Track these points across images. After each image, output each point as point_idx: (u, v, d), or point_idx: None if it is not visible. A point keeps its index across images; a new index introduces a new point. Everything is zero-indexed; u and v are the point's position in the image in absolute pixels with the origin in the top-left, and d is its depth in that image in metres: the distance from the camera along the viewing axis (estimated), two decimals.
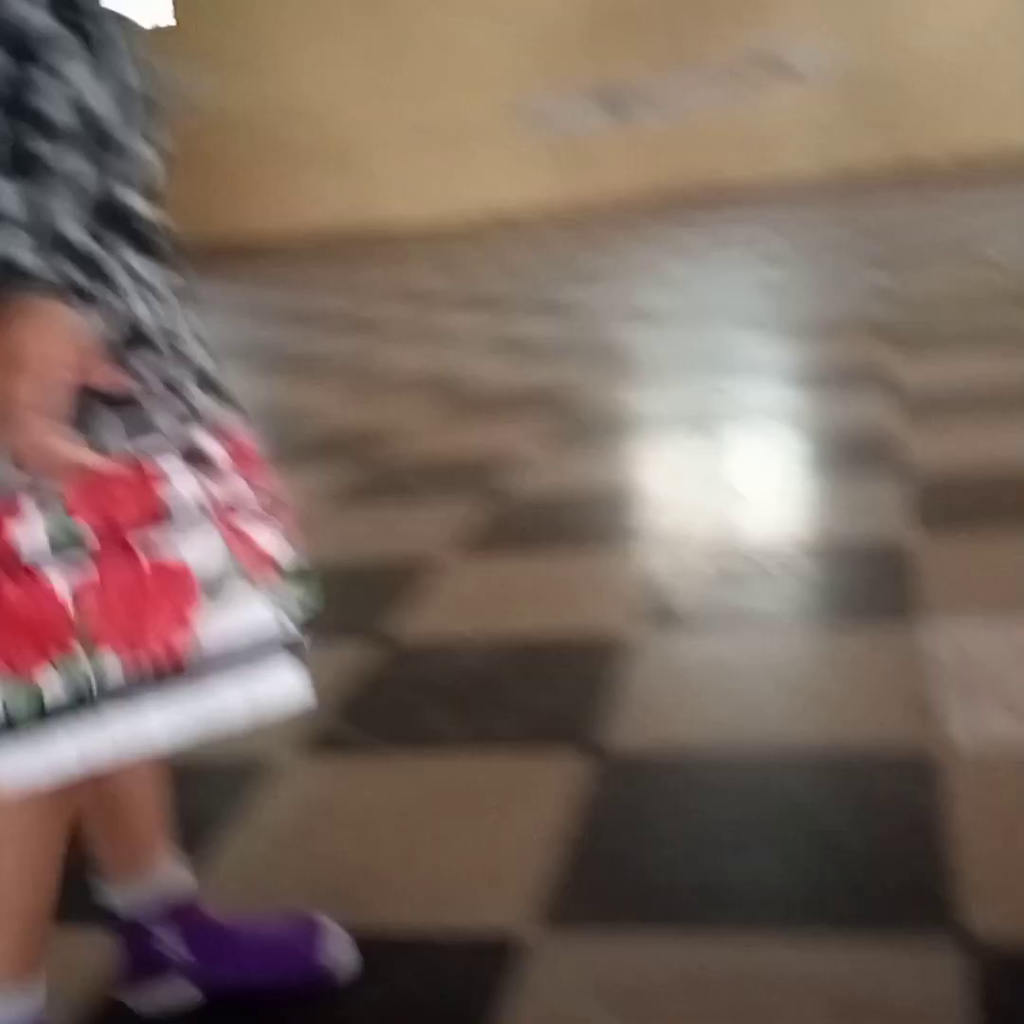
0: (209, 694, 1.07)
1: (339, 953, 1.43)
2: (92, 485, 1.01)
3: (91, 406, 1.01)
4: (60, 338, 0.92)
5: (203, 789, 1.90)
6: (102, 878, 1.37)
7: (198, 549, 1.06)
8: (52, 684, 1.02)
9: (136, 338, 1.05)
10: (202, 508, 1.07)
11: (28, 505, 1.00)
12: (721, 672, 2.11)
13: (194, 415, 1.09)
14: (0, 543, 1.00)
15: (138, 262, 1.06)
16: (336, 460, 3.68)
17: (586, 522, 2.93)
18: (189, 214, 9.71)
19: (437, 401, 4.26)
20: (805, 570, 2.50)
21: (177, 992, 1.38)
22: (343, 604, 2.61)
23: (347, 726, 2.06)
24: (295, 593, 1.16)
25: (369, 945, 1.50)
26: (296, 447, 3.98)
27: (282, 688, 1.12)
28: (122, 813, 1.33)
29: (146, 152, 1.07)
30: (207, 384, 1.12)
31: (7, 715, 1.02)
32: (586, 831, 1.69)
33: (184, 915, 1.38)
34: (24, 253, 0.91)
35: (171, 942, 1.36)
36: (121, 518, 1.03)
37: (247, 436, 1.23)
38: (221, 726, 1.11)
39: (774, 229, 7.10)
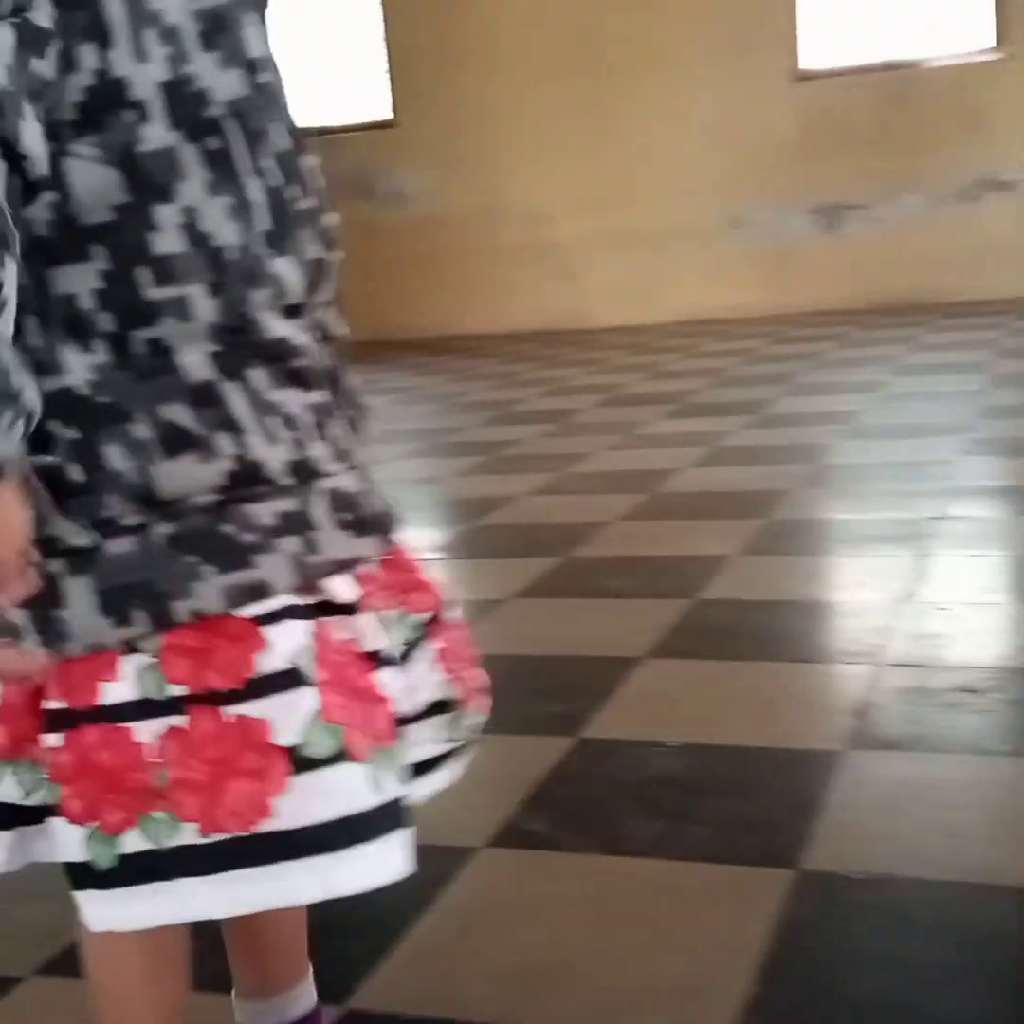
0: (281, 876, 1.00)
1: None
2: (186, 645, 1.00)
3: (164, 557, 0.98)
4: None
5: None
6: (236, 994, 1.36)
7: (287, 716, 1.00)
8: (134, 842, 1.00)
9: (249, 478, 1.01)
10: (303, 669, 1.01)
11: (123, 663, 1.00)
12: (925, 794, 2.04)
13: (318, 554, 1.04)
14: (90, 702, 1.00)
15: (274, 390, 1.03)
16: (534, 553, 3.70)
17: (787, 632, 2.87)
18: (402, 310, 10.09)
19: (638, 500, 4.26)
20: (1015, 692, 2.39)
21: None
22: (537, 698, 2.61)
23: (538, 821, 2.05)
24: (402, 761, 1.07)
25: None
26: (494, 538, 4.02)
27: (366, 870, 1.02)
28: (256, 937, 1.31)
29: (290, 270, 1.04)
30: (350, 515, 1.07)
31: (93, 868, 1.01)
32: (781, 948, 1.63)
33: None
34: None
35: None
36: (213, 681, 0.99)
37: (407, 554, 1.22)
38: (302, 903, 1.07)
39: (991, 348, 6.94)
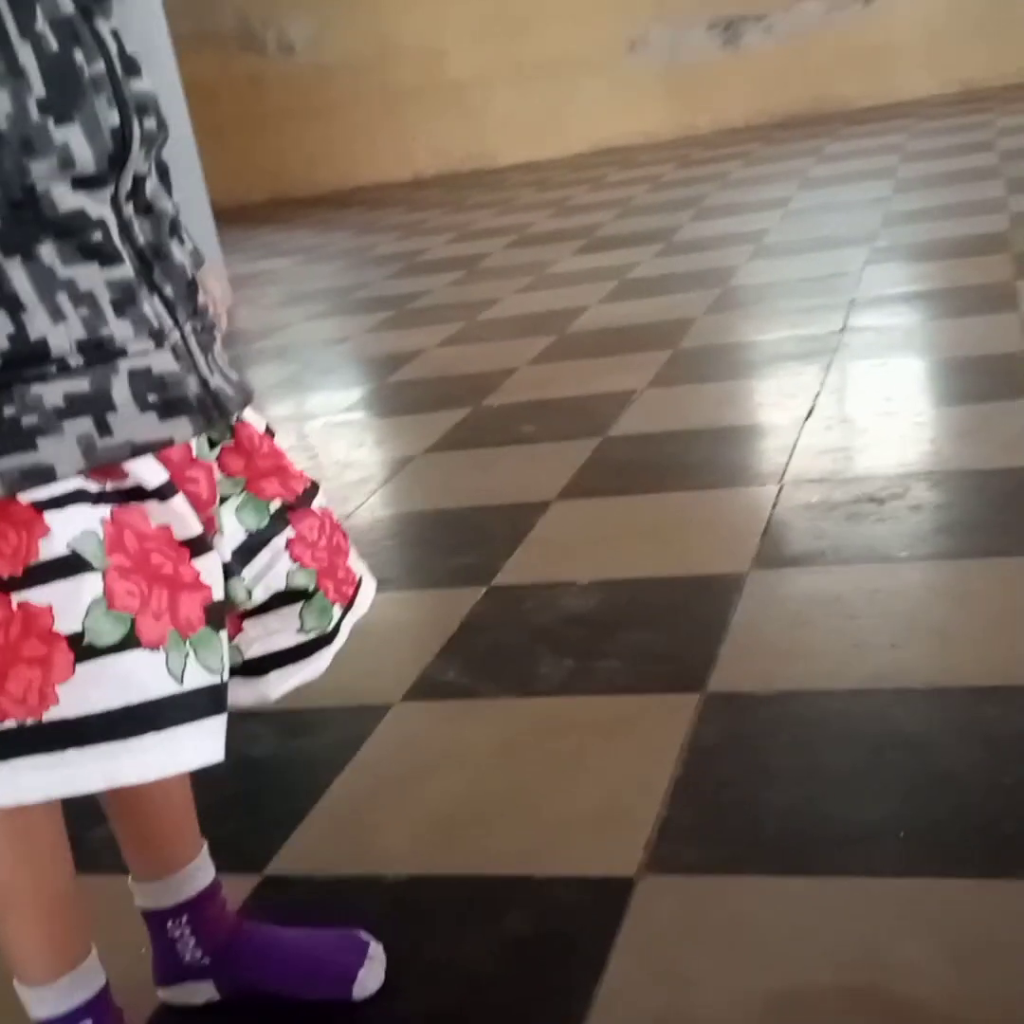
0: (66, 764, 0.98)
1: (371, 981, 1.35)
2: None
3: None
4: None
5: (311, 730, 1.93)
6: (132, 877, 1.36)
7: (69, 603, 0.97)
8: None
9: (31, 358, 0.98)
10: (86, 555, 0.98)
11: None
12: (829, 607, 2.07)
13: (112, 436, 1.00)
14: None
15: (64, 266, 0.99)
16: (445, 406, 3.67)
17: (694, 461, 2.88)
18: (294, 162, 9.81)
19: (546, 342, 4.23)
20: (922, 501, 2.42)
21: (197, 992, 1.36)
22: (450, 549, 2.61)
23: (453, 670, 2.07)
24: (214, 649, 1.04)
25: (475, 885, 1.51)
26: (405, 393, 3.98)
27: (159, 759, 1.00)
28: (140, 818, 1.30)
29: (80, 139, 0.99)
30: (157, 395, 1.03)
31: None
32: (695, 772, 1.67)
33: (199, 913, 1.35)
34: None
35: (188, 942, 1.34)
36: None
37: (261, 437, 1.18)
38: (87, 792, 1.03)
39: (896, 153, 6.87)
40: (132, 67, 1.06)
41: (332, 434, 3.64)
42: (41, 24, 0.98)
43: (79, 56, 1.00)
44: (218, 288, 1.29)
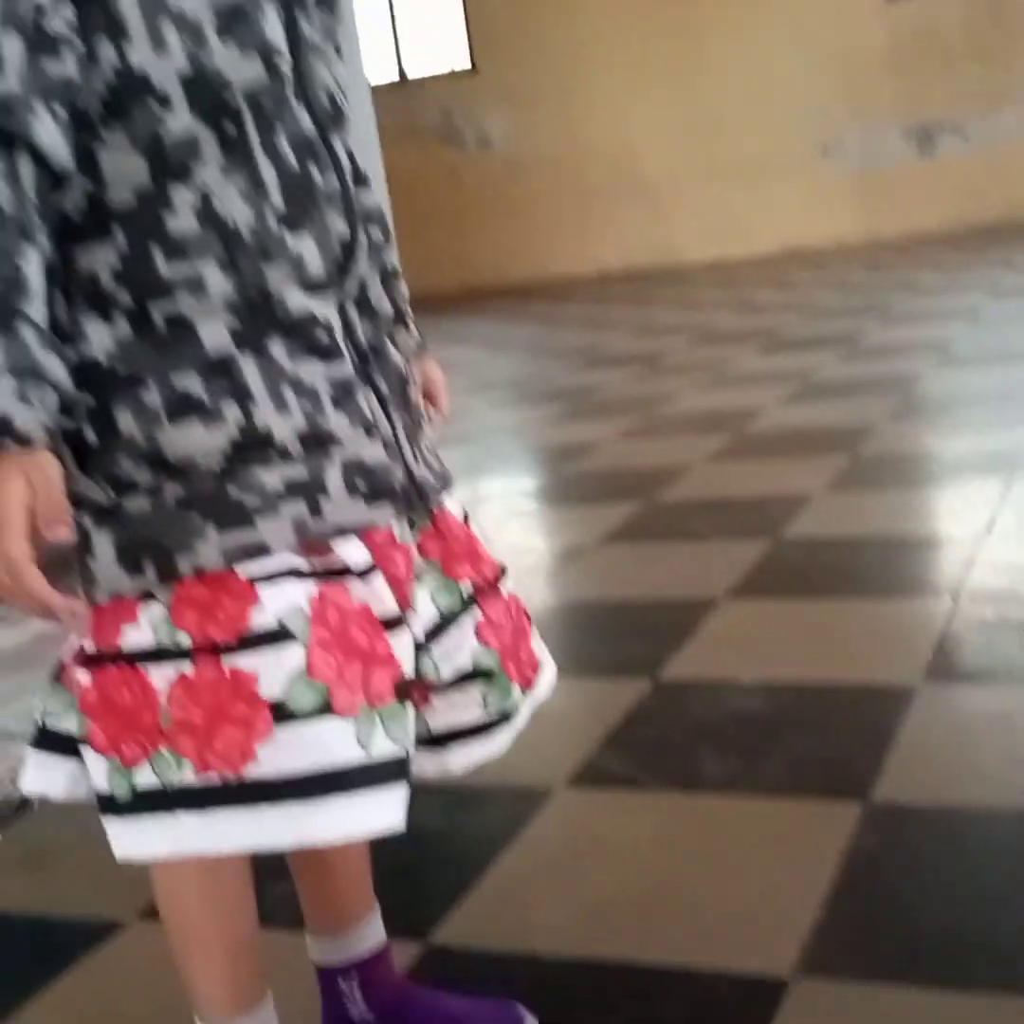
0: (259, 819, 1.06)
1: None
2: (194, 598, 1.06)
3: (176, 519, 1.05)
4: (39, 491, 0.96)
5: (477, 805, 1.99)
6: (308, 931, 1.42)
7: (273, 671, 1.05)
8: (145, 776, 1.07)
9: (256, 445, 1.07)
10: (292, 627, 1.06)
11: (141, 611, 1.07)
12: (1004, 727, 2.05)
13: (322, 519, 1.09)
14: (114, 644, 1.07)
15: (292, 361, 1.08)
16: (619, 498, 3.74)
17: (868, 568, 2.88)
18: (485, 253, 10.09)
19: (723, 440, 4.27)
20: None
21: None
22: (617, 640, 2.66)
23: (616, 760, 2.11)
24: (401, 721, 1.10)
25: (629, 972, 1.54)
26: (580, 484, 4.06)
27: (343, 822, 1.06)
28: (321, 875, 1.36)
29: (310, 247, 1.08)
30: (365, 483, 1.11)
31: (114, 797, 1.09)
32: (854, 879, 1.67)
33: (369, 972, 1.40)
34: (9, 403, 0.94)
35: (356, 999, 1.39)
36: (214, 633, 1.06)
37: (457, 523, 1.25)
38: (276, 848, 1.10)
39: None
40: (362, 181, 1.17)
41: (508, 520, 3.74)
42: (283, 144, 1.08)
43: (315, 172, 1.10)
44: (438, 372, 1.39)
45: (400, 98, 9.88)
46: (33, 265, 0.97)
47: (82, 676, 1.10)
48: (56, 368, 0.98)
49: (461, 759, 1.26)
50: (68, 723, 1.12)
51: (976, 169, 8.91)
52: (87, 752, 1.10)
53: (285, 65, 1.08)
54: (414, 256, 8.08)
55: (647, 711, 2.29)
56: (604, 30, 9.49)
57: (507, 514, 3.82)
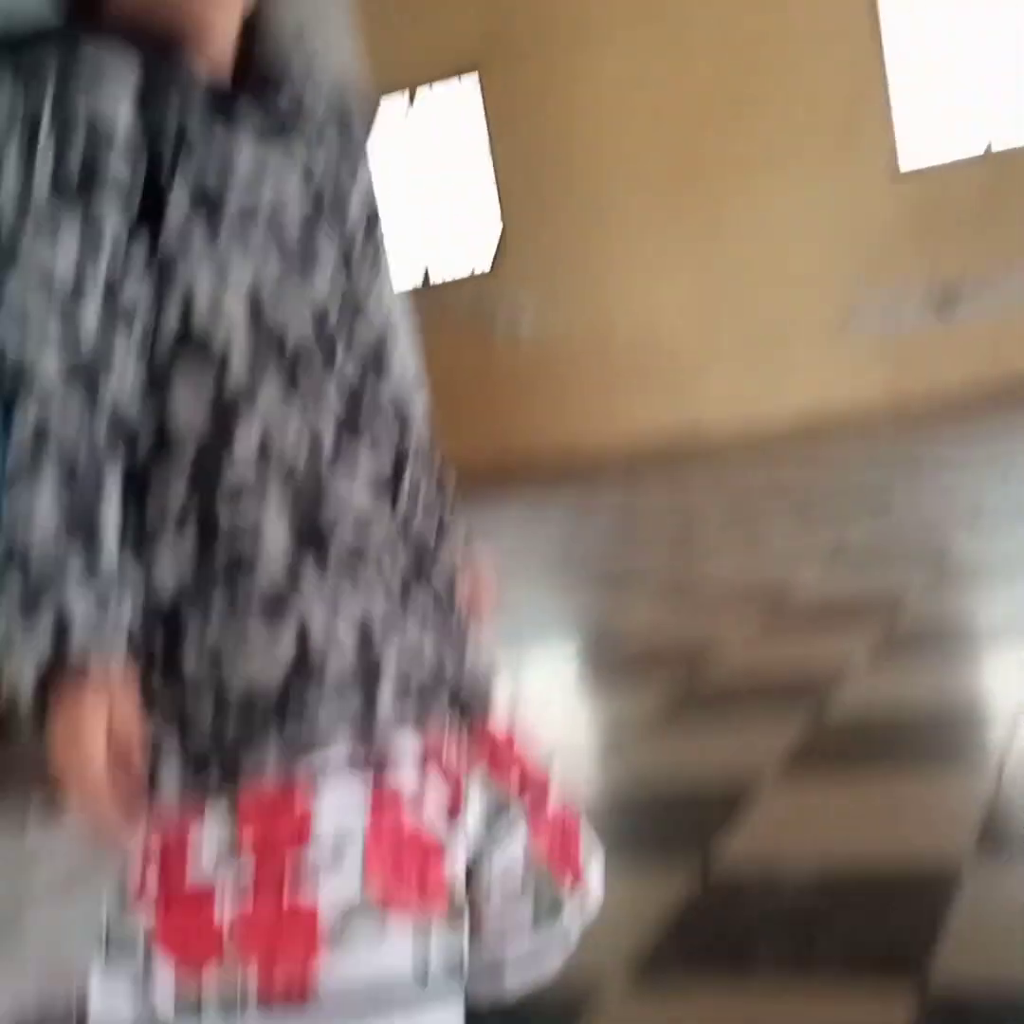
0: None
1: None
2: (255, 809, 1.09)
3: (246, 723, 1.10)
4: (116, 712, 1.02)
5: (526, 1007, 1.96)
6: None
7: (333, 885, 1.08)
8: (210, 998, 1.08)
9: (312, 665, 1.12)
10: (351, 840, 1.09)
11: (203, 822, 1.10)
12: None
13: (376, 728, 1.13)
14: (178, 859, 1.10)
15: (343, 585, 1.14)
16: (661, 677, 3.75)
17: (911, 741, 2.88)
18: (518, 433, 10.30)
19: (759, 613, 4.30)
20: None
21: None
22: (667, 826, 2.65)
23: (667, 952, 2.09)
24: (457, 932, 1.12)
25: None
26: (622, 664, 4.09)
27: None
28: None
29: (359, 477, 1.15)
30: (417, 694, 1.16)
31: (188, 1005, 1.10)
32: None
33: None
34: (83, 615, 1.00)
35: None
36: (276, 840, 1.09)
37: (502, 731, 1.28)
38: None
39: None
40: (404, 411, 1.24)
41: (549, 705, 3.76)
42: (331, 388, 1.17)
43: (361, 411, 1.18)
44: (487, 570, 1.45)
45: (431, 299, 10.24)
46: (110, 504, 1.05)
47: (148, 899, 1.12)
48: (128, 603, 1.05)
49: (513, 979, 1.27)
50: (133, 945, 1.15)
51: (996, 330, 9.08)
52: (153, 974, 1.12)
53: (334, 318, 1.17)
54: (451, 439, 8.29)
55: (699, 900, 2.28)
56: (626, 216, 9.83)
57: (549, 697, 3.84)
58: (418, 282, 10.44)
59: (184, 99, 1.11)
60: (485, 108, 10.23)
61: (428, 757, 1.17)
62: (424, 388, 6.26)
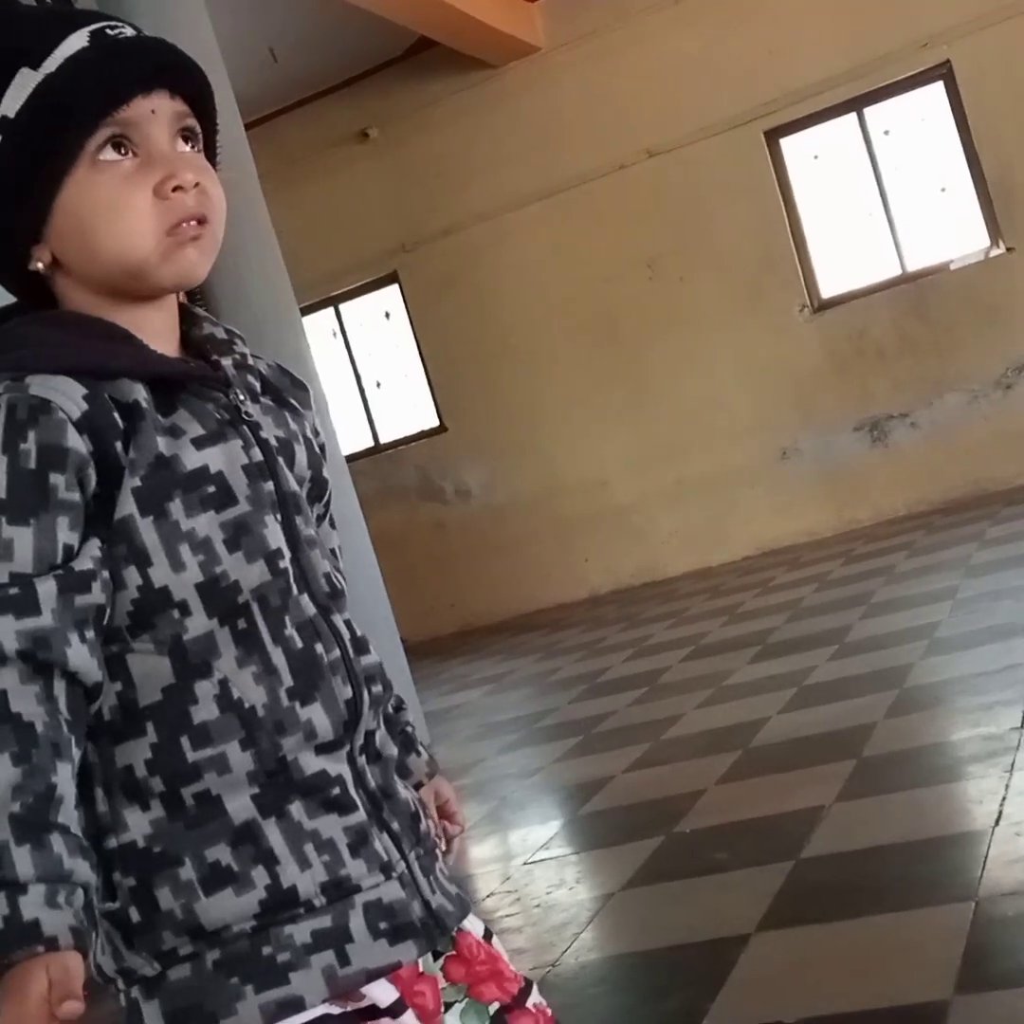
0: None
1: None
2: None
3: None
4: (55, 982, 1.03)
5: None
6: None
7: None
8: None
9: (283, 903, 1.16)
10: None
11: None
12: None
13: (351, 966, 1.17)
14: None
15: (310, 819, 1.19)
16: (638, 835, 3.79)
17: (887, 880, 2.93)
18: (477, 594, 10.41)
19: (731, 759, 4.35)
20: None
21: None
22: (655, 993, 2.68)
23: None
24: None
25: None
26: (598, 825, 4.11)
27: None
28: None
29: (319, 714, 1.21)
30: (387, 923, 1.20)
31: None
32: None
33: None
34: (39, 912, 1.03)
35: None
36: None
37: (477, 943, 1.32)
38: None
39: None
40: (361, 647, 1.30)
41: (531, 874, 3.77)
42: (289, 629, 1.24)
43: (319, 648, 1.24)
44: (450, 789, 1.50)
45: (378, 463, 10.44)
46: (65, 778, 1.09)
47: None
48: (84, 871, 1.08)
49: None
50: None
51: (930, 452, 9.33)
52: None
53: (285, 562, 1.24)
54: (409, 607, 8.36)
55: None
56: (561, 384, 10.12)
57: (530, 867, 3.86)
58: (363, 450, 10.62)
59: (127, 414, 1.19)
60: (407, 308, 10.60)
61: (404, 998, 1.21)
62: (365, 552, 6.34)
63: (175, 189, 1.21)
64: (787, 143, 9.59)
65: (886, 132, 9.46)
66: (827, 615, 6.60)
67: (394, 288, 10.68)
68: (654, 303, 9.84)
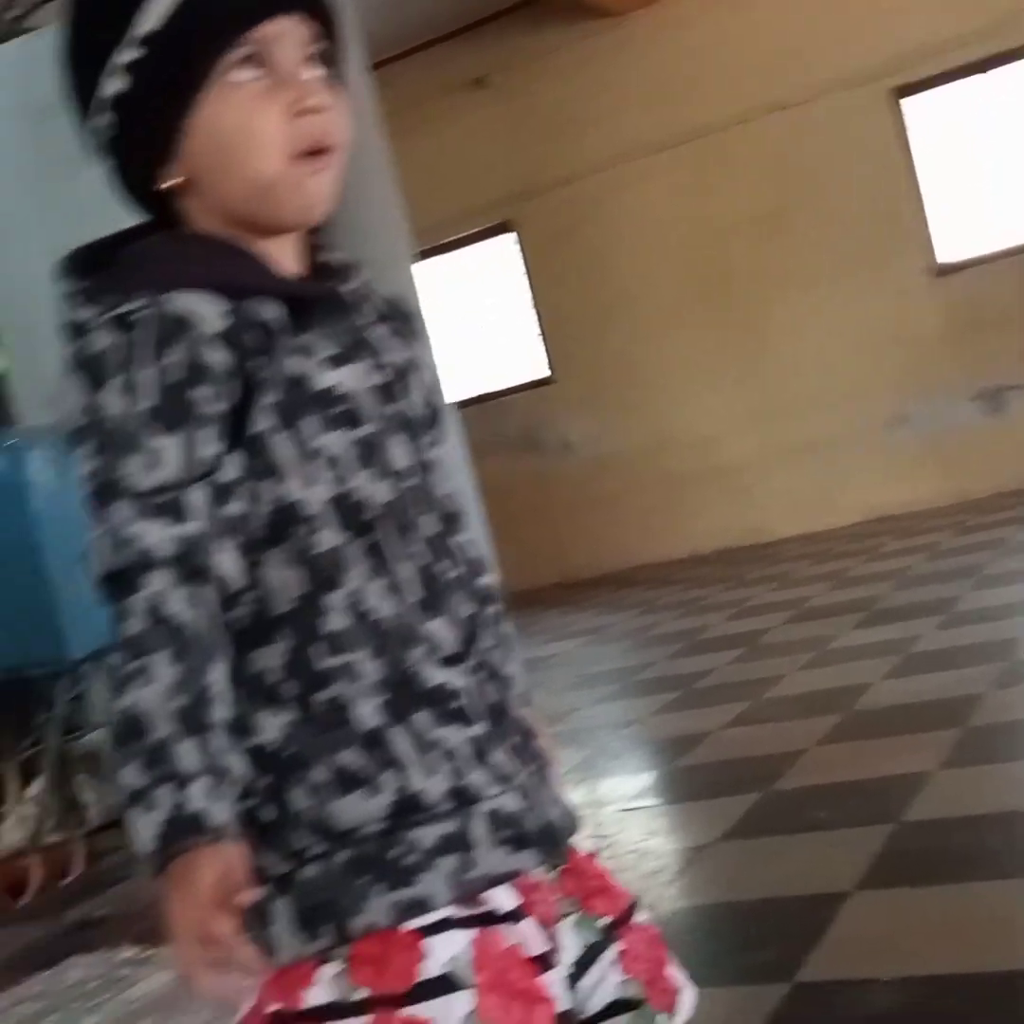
0: None
1: None
2: (367, 954, 1.15)
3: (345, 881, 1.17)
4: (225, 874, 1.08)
5: None
6: None
7: (445, 1018, 1.13)
8: None
9: (410, 807, 1.19)
10: (459, 975, 1.15)
11: (319, 971, 1.16)
12: None
13: (474, 871, 1.19)
14: (296, 1005, 1.16)
15: (435, 729, 1.21)
16: (735, 790, 3.77)
17: (992, 849, 2.87)
18: (578, 547, 10.40)
19: (833, 721, 4.30)
20: None
21: None
22: (750, 943, 2.67)
23: None
24: None
25: None
26: (694, 778, 4.10)
27: None
28: None
29: (443, 628, 1.23)
30: (508, 832, 1.21)
31: None
32: None
33: None
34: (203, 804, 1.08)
35: None
36: (387, 986, 1.14)
37: (587, 859, 1.34)
38: None
39: None
40: (480, 567, 1.34)
41: (625, 822, 3.78)
42: (414, 546, 1.26)
43: (442, 565, 1.27)
44: (545, 725, 1.52)
45: (485, 411, 10.44)
46: (219, 678, 1.14)
47: None
48: (238, 765, 1.14)
49: None
50: None
51: None
52: None
53: (411, 482, 1.27)
54: (510, 557, 8.36)
55: (787, 1018, 2.29)
56: (673, 334, 10.03)
57: (624, 814, 3.86)
58: (470, 398, 10.63)
59: (263, 332, 1.21)
60: (524, 256, 10.55)
61: (523, 907, 1.23)
62: (492, 567, 6.35)
63: (306, 112, 1.22)
64: (913, 102, 9.34)
65: (1015, 95, 9.16)
66: (936, 584, 6.48)
67: (508, 237, 10.65)
68: (770, 261, 9.68)
